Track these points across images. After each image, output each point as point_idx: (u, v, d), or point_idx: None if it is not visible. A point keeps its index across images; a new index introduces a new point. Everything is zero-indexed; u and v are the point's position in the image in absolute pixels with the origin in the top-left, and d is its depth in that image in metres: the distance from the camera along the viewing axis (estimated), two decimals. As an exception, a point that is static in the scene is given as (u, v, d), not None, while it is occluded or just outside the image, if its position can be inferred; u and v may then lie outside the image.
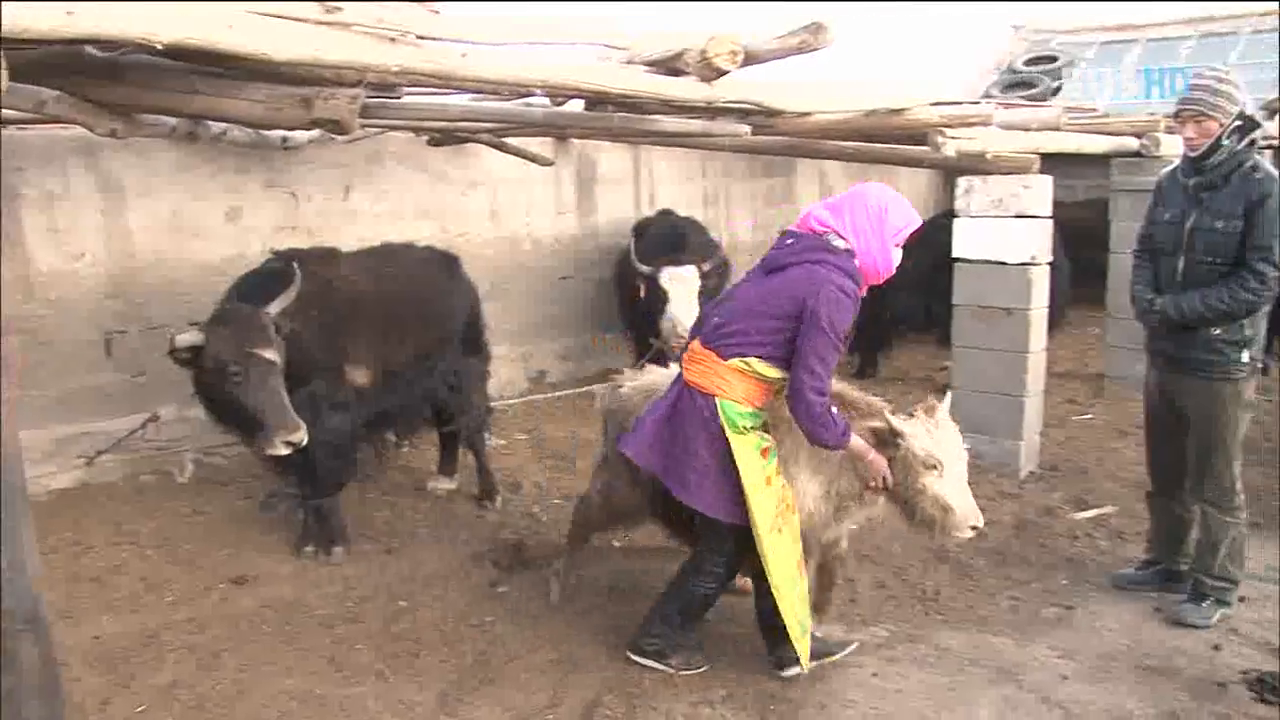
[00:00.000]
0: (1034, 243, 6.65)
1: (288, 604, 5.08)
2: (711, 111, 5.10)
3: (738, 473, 3.87)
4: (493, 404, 7.20)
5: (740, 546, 4.14)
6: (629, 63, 4.54)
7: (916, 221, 4.00)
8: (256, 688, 4.29)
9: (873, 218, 3.88)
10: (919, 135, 6.10)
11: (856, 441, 3.96)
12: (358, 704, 4.17)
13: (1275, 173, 4.45)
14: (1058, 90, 15.90)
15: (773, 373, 3.86)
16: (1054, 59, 16.81)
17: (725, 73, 4.18)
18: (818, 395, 3.75)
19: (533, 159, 8.62)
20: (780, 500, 3.94)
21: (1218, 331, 4.45)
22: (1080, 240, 9.74)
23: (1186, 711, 4.06)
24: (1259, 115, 13.05)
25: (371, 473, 6.71)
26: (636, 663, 4.37)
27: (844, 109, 5.72)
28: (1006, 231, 6.63)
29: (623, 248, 8.61)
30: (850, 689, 4.29)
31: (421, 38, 3.50)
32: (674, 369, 4.55)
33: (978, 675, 4.38)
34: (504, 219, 9.16)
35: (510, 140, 8.23)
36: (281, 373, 4.94)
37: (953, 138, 5.81)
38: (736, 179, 11.38)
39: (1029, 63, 16.83)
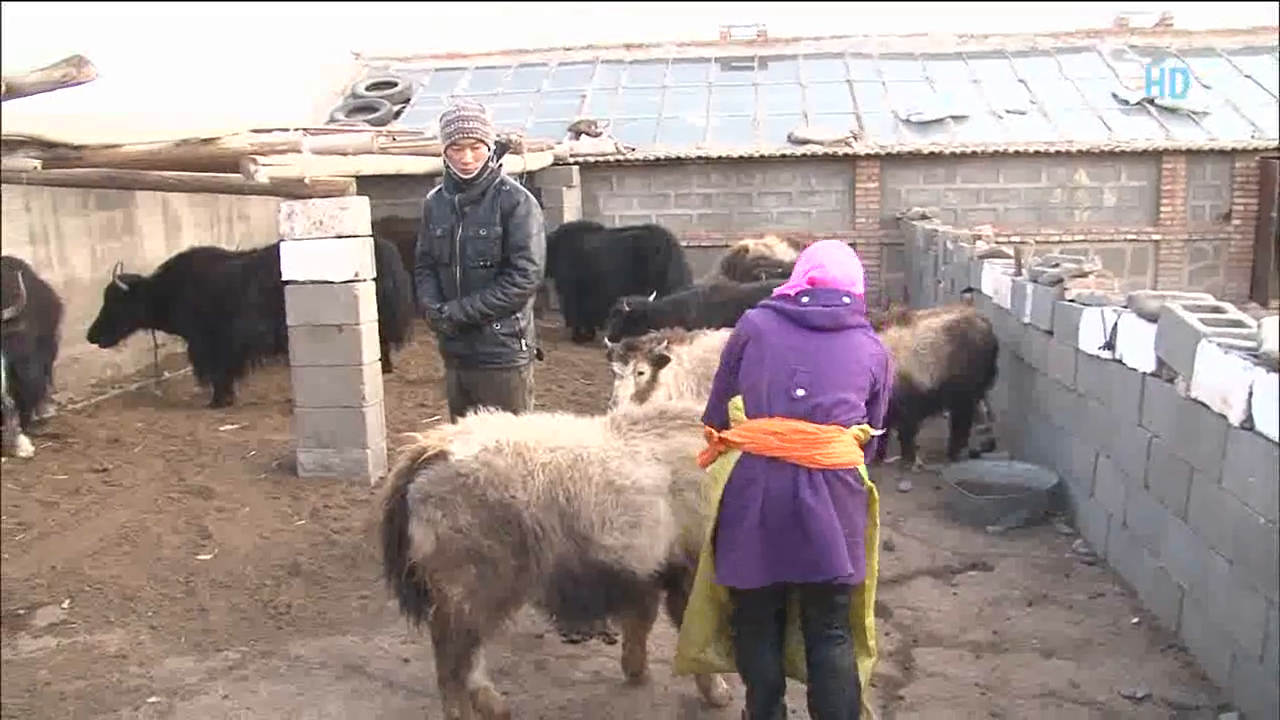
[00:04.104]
0: (356, 260, 7.05)
1: None
2: (7, 145, 4.82)
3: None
4: None
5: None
6: None
7: None
8: None
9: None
10: (235, 163, 6.19)
11: None
12: None
13: (521, 186, 5.26)
14: (399, 114, 16.78)
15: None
16: (394, 84, 17.69)
17: (-13, 106, 3.98)
18: None
19: None
20: None
21: (499, 327, 5.16)
22: (420, 255, 10.43)
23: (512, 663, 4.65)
24: (567, 135, 14.97)
25: None
26: None
27: (153, 140, 5.66)
28: (330, 251, 6.96)
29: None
30: (200, 716, 4.32)
31: None
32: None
33: (326, 675, 4.63)
34: None
35: None
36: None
37: (266, 165, 5.97)
38: (68, 213, 10.56)
39: (371, 88, 17.56)
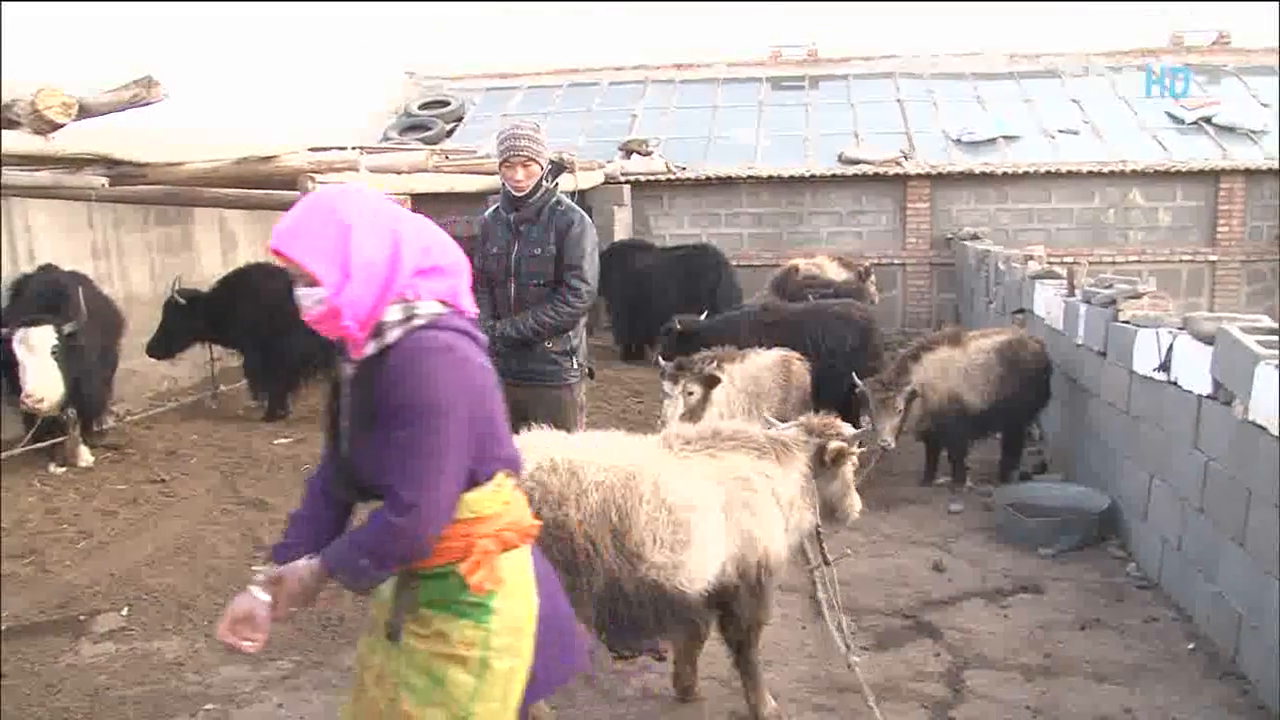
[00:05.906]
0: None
1: None
2: (75, 163, 4.96)
3: None
4: None
5: None
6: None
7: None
8: None
9: None
10: (293, 181, 6.31)
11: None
12: None
13: (576, 206, 5.30)
14: (451, 132, 16.97)
15: None
16: (447, 103, 17.91)
17: (60, 125, 4.09)
18: None
19: None
20: None
21: (551, 345, 5.18)
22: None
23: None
24: (618, 154, 15.03)
25: None
26: None
27: (213, 157, 5.79)
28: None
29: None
30: (254, 725, 4.40)
31: None
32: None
33: (377, 686, 4.68)
34: None
35: None
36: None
37: (323, 182, 6.08)
38: (129, 229, 10.81)
39: (423, 107, 17.79)
